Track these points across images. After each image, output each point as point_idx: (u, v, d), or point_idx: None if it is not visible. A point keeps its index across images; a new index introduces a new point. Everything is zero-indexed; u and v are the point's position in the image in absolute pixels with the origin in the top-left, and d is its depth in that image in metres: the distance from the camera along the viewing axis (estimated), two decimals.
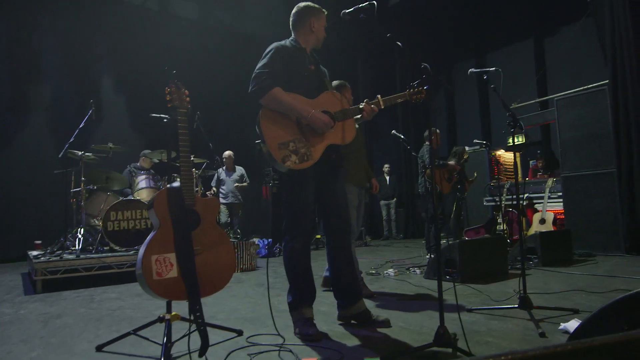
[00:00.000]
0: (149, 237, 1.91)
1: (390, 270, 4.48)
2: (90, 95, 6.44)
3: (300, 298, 2.39)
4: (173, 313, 2.11)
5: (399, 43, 2.15)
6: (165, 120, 2.19)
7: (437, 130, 5.99)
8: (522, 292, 2.65)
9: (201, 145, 6.13)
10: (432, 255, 5.68)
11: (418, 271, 4.47)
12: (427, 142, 5.95)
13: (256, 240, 6.66)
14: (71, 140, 4.89)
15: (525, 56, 9.34)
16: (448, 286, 3.38)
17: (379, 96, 2.51)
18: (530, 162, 8.76)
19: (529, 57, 9.28)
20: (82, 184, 5.01)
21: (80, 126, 5.02)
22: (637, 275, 3.78)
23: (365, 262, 5.53)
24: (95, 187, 5.36)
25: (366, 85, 11.03)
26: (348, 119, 2.43)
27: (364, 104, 2.48)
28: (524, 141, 8.36)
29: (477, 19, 9.71)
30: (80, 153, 5.01)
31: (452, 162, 5.94)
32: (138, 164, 6.23)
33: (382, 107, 2.50)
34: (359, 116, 2.50)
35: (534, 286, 3.49)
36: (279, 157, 2.24)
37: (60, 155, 4.88)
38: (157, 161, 6.18)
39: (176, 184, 1.99)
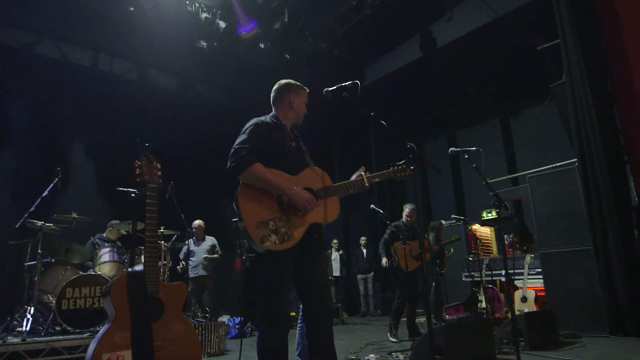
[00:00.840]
0: (101, 331, 1.65)
1: (372, 355, 4.16)
2: (58, 163, 6.19)
3: None
4: None
5: (383, 122, 2.12)
6: (132, 195, 2.01)
7: (411, 206, 5.95)
8: None
9: (173, 217, 5.87)
10: (393, 338, 5.43)
11: (401, 357, 4.15)
12: (402, 219, 5.89)
13: (226, 319, 6.21)
14: (31, 209, 4.57)
15: (493, 134, 9.76)
16: None
17: (362, 174, 2.43)
18: (505, 236, 8.80)
19: (496, 135, 9.69)
20: (38, 257, 4.61)
21: (44, 195, 4.72)
22: None
23: (344, 345, 5.16)
24: (53, 260, 4.96)
25: (342, 162, 11.23)
26: (330, 197, 2.32)
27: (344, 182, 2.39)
28: (501, 215, 8.46)
29: (446, 99, 10.22)
30: (40, 223, 4.67)
31: (429, 240, 5.81)
32: (104, 234, 5.87)
33: (367, 185, 2.41)
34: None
35: None
36: (257, 236, 2.07)
37: (17, 226, 4.52)
38: (125, 233, 5.86)
39: (138, 267, 1.77)
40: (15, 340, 4.00)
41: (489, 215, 8.57)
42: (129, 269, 1.81)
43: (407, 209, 5.88)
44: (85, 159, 8.40)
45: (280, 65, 9.31)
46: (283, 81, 2.55)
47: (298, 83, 2.55)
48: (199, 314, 5.47)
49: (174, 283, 1.92)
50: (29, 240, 4.89)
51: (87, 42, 8.56)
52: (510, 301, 4.54)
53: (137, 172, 1.93)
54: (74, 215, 5.04)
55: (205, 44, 8.99)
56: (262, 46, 9.19)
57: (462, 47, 8.73)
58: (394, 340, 5.39)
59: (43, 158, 7.66)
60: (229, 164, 2.18)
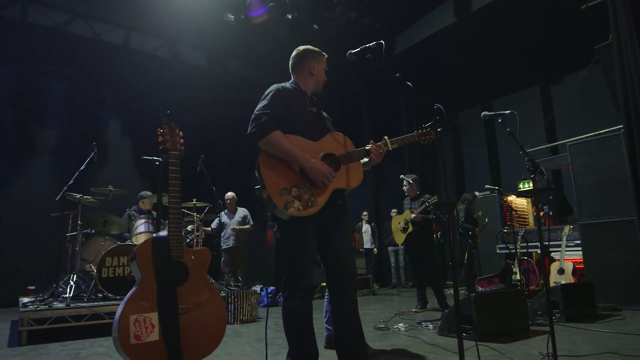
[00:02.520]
0: (128, 294, 1.70)
1: (401, 324, 4.15)
2: (94, 139, 6.39)
3: None
4: None
5: (409, 83, 2.02)
6: (157, 163, 2.03)
7: (411, 178, 5.82)
8: (551, 356, 2.36)
9: (204, 189, 6.00)
10: (413, 308, 5.46)
11: (431, 326, 4.13)
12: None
13: (258, 288, 6.36)
14: (70, 182, 4.76)
15: (532, 103, 9.33)
16: (466, 345, 3.08)
17: (385, 137, 2.37)
18: (543, 207, 8.52)
19: (535, 104, 9.26)
20: (78, 228, 4.83)
21: (81, 169, 4.91)
22: None
23: (374, 314, 5.19)
24: (93, 231, 5.18)
25: (372, 129, 11.06)
26: (353, 162, 2.27)
27: (370, 145, 2.33)
28: (537, 186, 8.16)
29: (482, 67, 9.79)
30: (78, 196, 4.87)
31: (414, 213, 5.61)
32: (138, 206, 6.08)
33: (390, 148, 2.35)
34: (366, 160, 2.34)
35: (560, 347, 3.16)
36: (280, 203, 2.05)
37: (57, 198, 4.73)
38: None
39: (163, 233, 1.79)
40: (60, 305, 4.24)
41: (526, 186, 8.27)
42: (154, 234, 1.84)
43: (403, 181, 5.84)
44: (120, 134, 8.64)
45: (308, 36, 9.13)
46: (302, 47, 2.49)
47: (317, 49, 2.49)
48: (231, 283, 5.62)
49: (198, 249, 1.95)
50: (70, 213, 5.12)
51: (119, 21, 8.67)
52: (546, 273, 4.39)
53: (159, 140, 1.94)
54: (110, 188, 5.22)
55: (232, 16, 8.91)
56: (290, 17, 9.02)
57: (500, 10, 8.24)
58: (413, 310, 5.42)
59: (80, 134, 7.93)
60: (249, 129, 2.16)
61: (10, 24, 7.59)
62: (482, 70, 9.84)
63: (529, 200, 8.39)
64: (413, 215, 5.50)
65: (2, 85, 7.60)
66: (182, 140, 1.99)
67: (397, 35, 10.25)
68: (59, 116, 7.99)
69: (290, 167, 2.14)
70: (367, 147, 2.32)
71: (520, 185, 8.28)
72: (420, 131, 2.35)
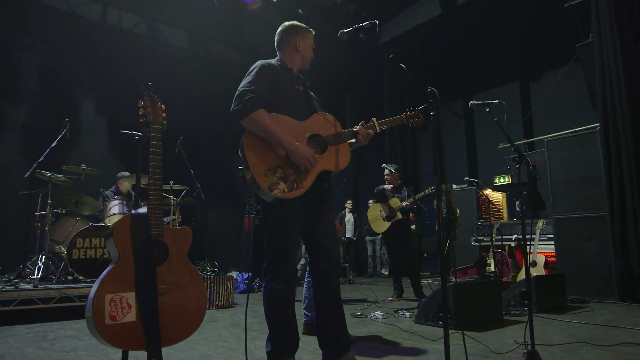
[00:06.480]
0: (104, 272, 1.61)
1: (378, 312, 4.17)
2: (68, 116, 6.12)
3: (281, 348, 2.08)
4: None
5: (403, 65, 1.98)
6: (137, 138, 1.93)
7: (393, 168, 5.86)
8: (529, 345, 2.39)
9: (182, 172, 5.84)
10: (392, 298, 5.49)
11: (407, 315, 4.16)
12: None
13: (234, 274, 6.29)
14: (40, 159, 4.54)
15: (512, 98, 9.46)
16: (441, 334, 3.10)
17: (373, 119, 2.32)
18: (516, 202, 8.69)
19: (515, 100, 9.40)
20: (48, 207, 4.63)
21: (52, 145, 4.69)
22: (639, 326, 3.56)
23: (351, 302, 5.20)
24: (63, 211, 4.99)
25: (354, 112, 11.06)
26: (342, 143, 2.22)
27: (358, 126, 2.28)
28: (510, 181, 8.33)
29: (465, 60, 9.86)
30: (49, 174, 4.66)
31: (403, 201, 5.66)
32: (115, 187, 5.87)
33: (378, 130, 2.31)
34: (353, 140, 2.29)
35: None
36: (265, 184, 1.98)
37: (26, 175, 4.52)
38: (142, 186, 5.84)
39: (142, 209, 1.71)
40: (27, 286, 4.07)
41: (502, 180, 8.44)
42: (132, 211, 1.75)
43: (385, 171, 5.85)
44: (95, 112, 8.32)
45: (293, 20, 8.96)
46: (287, 23, 2.41)
47: (303, 25, 2.41)
48: (207, 267, 5.52)
49: (179, 227, 1.87)
50: (39, 191, 4.91)
51: None
52: (518, 265, 4.49)
53: (140, 113, 1.84)
54: (83, 167, 5.02)
55: None
56: (275, 0, 8.84)
57: (484, 4, 8.31)
58: (389, 298, 5.48)
59: (53, 111, 7.60)
60: (232, 106, 2.07)
61: None
62: (465, 63, 9.91)
63: (504, 194, 8.55)
64: (405, 203, 5.52)
65: None
66: (164, 114, 1.90)
67: (382, 25, 10.16)
68: (31, 92, 7.62)
69: (275, 146, 2.07)
70: (355, 129, 2.26)
71: (497, 180, 8.44)
72: (408, 113, 2.31)
